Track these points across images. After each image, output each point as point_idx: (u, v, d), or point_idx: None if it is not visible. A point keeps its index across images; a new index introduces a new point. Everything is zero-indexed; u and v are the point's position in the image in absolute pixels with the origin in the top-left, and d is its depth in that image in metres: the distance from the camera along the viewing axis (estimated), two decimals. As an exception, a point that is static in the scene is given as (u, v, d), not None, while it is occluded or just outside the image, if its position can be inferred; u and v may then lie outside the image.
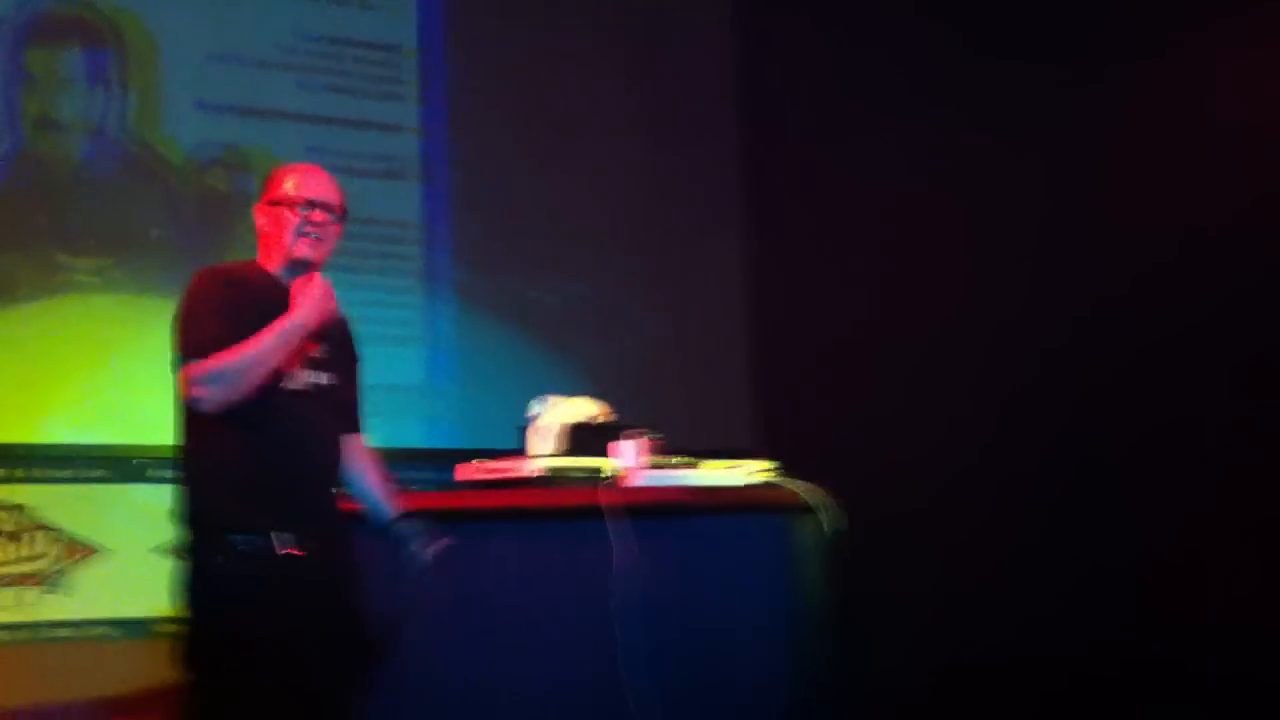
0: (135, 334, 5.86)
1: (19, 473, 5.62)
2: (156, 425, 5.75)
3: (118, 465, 5.77)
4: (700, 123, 7.37)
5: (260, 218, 3.29)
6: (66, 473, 5.70)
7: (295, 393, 3.13)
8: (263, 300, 3.14)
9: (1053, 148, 5.56)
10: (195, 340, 3.06)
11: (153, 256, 6.01)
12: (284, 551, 3.03)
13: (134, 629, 5.69)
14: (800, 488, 4.08)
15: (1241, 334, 4.88)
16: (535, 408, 4.30)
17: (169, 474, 5.71)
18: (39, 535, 5.63)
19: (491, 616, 3.68)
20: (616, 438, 4.00)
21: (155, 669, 5.56)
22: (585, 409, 4.29)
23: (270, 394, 3.05)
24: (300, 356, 3.15)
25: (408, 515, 3.36)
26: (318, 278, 3.17)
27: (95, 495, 5.72)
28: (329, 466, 3.27)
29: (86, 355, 5.76)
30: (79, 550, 5.68)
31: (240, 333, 3.03)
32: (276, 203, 3.23)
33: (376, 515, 3.38)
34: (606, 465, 3.90)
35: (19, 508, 5.60)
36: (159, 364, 5.75)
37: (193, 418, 3.12)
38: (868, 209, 6.29)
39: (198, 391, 3.01)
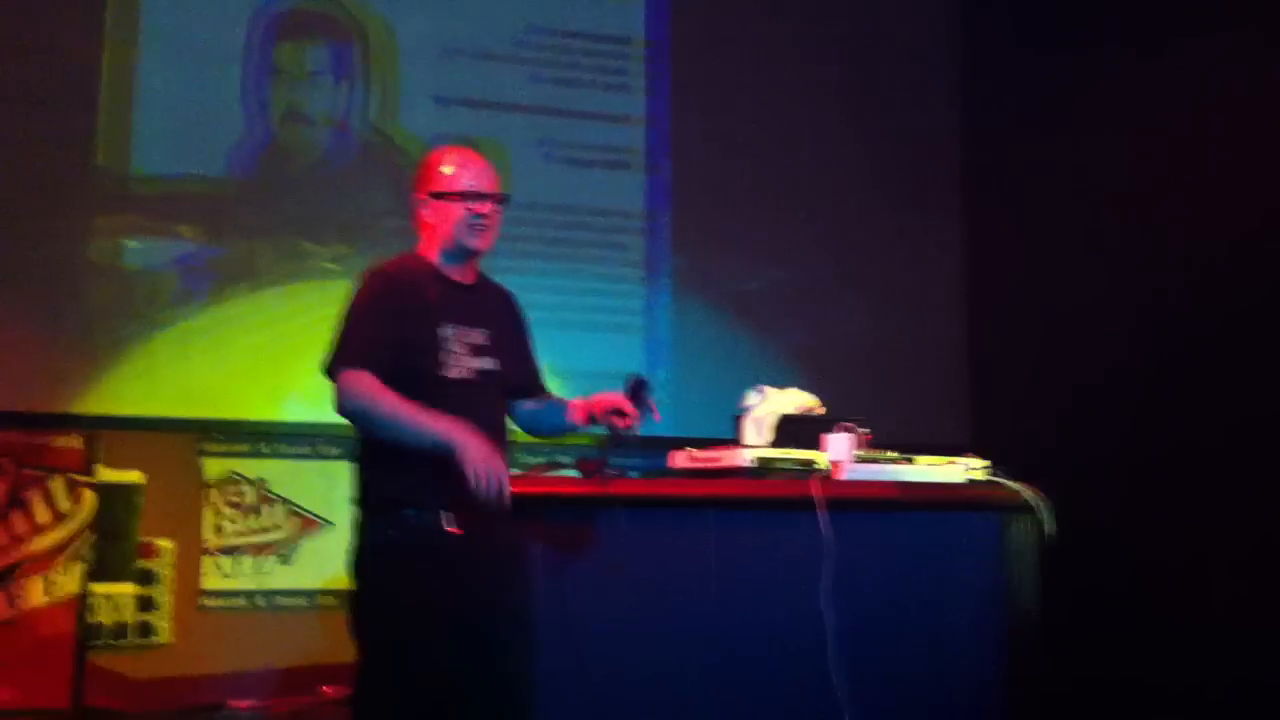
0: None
1: (263, 448, 5.95)
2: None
3: (352, 444, 6.01)
4: (920, 114, 7.24)
5: (422, 209, 3.29)
6: (305, 450, 6.00)
7: (461, 380, 3.18)
8: (421, 292, 3.20)
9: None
10: (350, 347, 3.17)
11: (388, 245, 6.22)
12: (450, 529, 3.11)
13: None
14: (1021, 488, 3.98)
15: None
16: (751, 398, 4.30)
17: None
18: (278, 508, 5.94)
19: (699, 604, 3.70)
20: (829, 430, 3.97)
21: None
22: (799, 400, 4.27)
23: (436, 383, 3.14)
24: (464, 344, 3.21)
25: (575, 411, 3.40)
26: (494, 459, 3.03)
27: (330, 471, 6.00)
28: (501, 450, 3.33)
29: (325, 339, 6.01)
30: (312, 524, 5.97)
31: (394, 335, 3.13)
32: (440, 195, 3.24)
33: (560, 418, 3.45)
34: (819, 458, 3.88)
35: (261, 481, 5.92)
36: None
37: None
38: (1090, 204, 6.12)
39: (340, 400, 3.13)
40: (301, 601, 5.91)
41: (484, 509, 3.00)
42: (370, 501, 3.21)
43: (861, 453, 3.91)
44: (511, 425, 3.49)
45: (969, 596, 3.94)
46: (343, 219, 6.17)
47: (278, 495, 5.94)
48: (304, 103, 6.22)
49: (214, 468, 5.85)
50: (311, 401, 5.91)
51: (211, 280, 5.91)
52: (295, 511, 5.96)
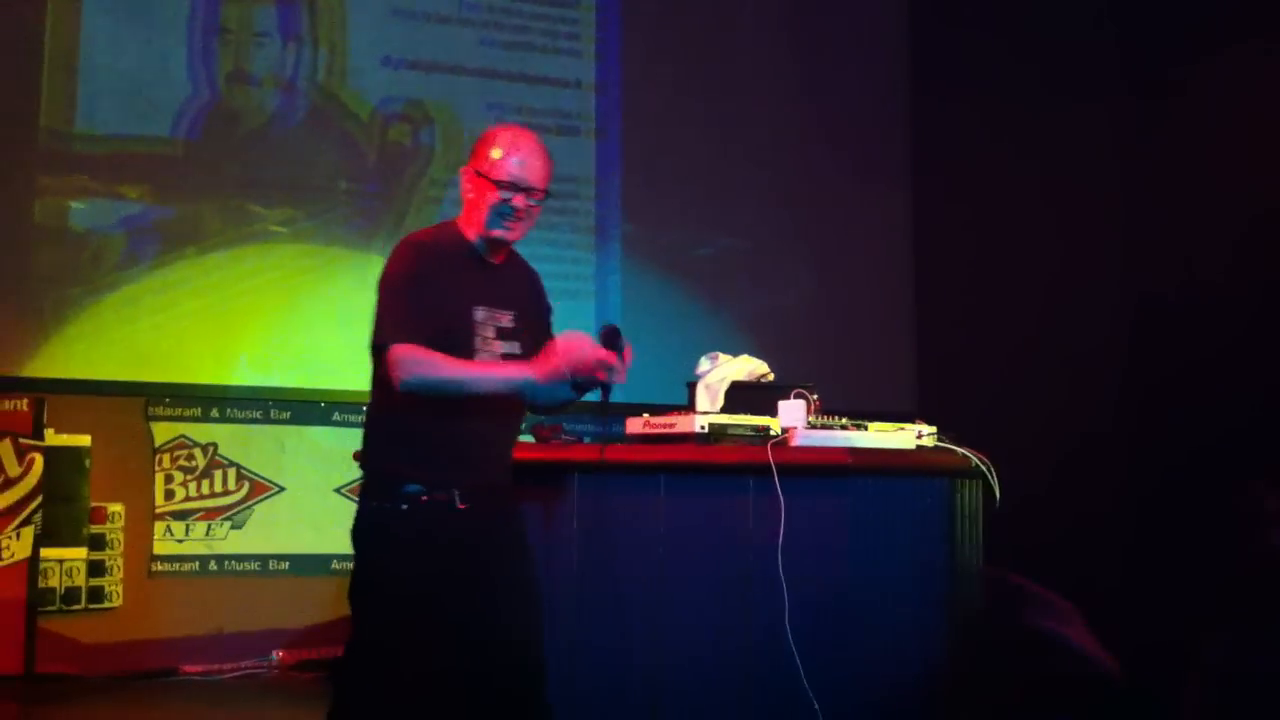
0: (321, 282, 6.09)
1: (213, 412, 5.92)
2: (340, 370, 6.06)
3: (304, 408, 6.03)
4: (870, 85, 7.30)
5: (465, 182, 3.21)
6: (256, 414, 5.98)
7: None
8: (455, 270, 3.15)
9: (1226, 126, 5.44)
10: (397, 321, 3.04)
11: (337, 208, 6.22)
12: (460, 506, 3.11)
13: (311, 565, 5.97)
14: (970, 454, 4.05)
15: None
16: (704, 364, 4.34)
17: (353, 419, 6.04)
18: (230, 473, 5.92)
19: (656, 568, 3.75)
20: (783, 397, 4.01)
21: (327, 603, 5.89)
22: (750, 367, 4.31)
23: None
24: (492, 327, 3.17)
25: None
26: (572, 361, 3.01)
27: (281, 436, 6.00)
28: (511, 435, 3.32)
29: (275, 302, 6.01)
30: (264, 488, 5.96)
31: (431, 305, 3.05)
32: (482, 175, 3.16)
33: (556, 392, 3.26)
34: (772, 423, 3.92)
35: (212, 446, 5.90)
36: (343, 312, 6.06)
37: (389, 379, 3.09)
38: (1037, 179, 6.21)
39: (400, 375, 2.99)
40: (253, 566, 5.91)
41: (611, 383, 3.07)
42: (382, 472, 3.16)
43: (814, 419, 3.95)
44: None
45: (918, 559, 4.00)
46: (290, 181, 6.14)
47: (228, 459, 5.92)
48: (250, 63, 6.15)
49: (163, 432, 5.83)
50: (262, 365, 5.93)
51: (158, 242, 5.86)
52: (246, 476, 5.94)
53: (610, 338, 3.18)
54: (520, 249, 3.35)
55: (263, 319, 5.98)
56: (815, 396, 4.08)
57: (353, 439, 5.46)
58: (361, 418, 5.88)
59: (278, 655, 5.81)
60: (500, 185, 3.14)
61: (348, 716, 3.12)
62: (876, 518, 3.92)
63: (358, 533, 3.15)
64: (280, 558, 5.94)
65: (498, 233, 3.17)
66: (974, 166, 6.62)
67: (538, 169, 3.22)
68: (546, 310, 3.42)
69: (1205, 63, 5.53)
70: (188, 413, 5.87)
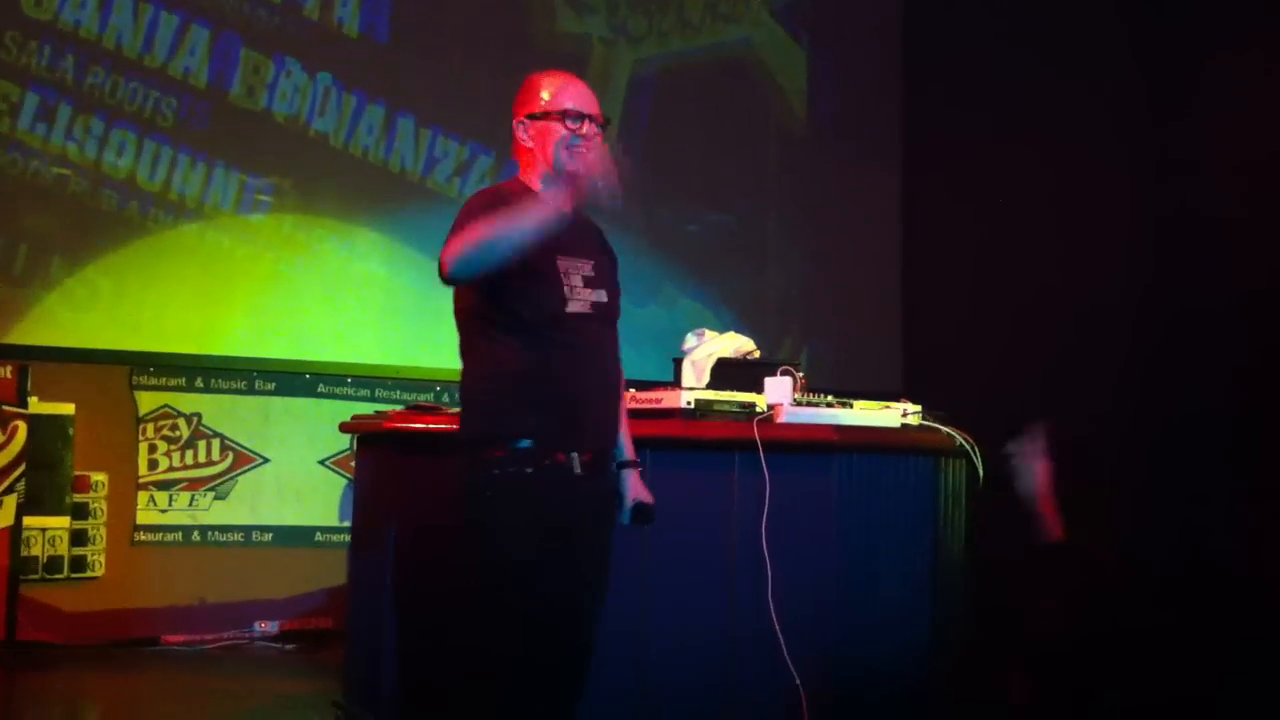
0: (308, 253, 6.07)
1: (198, 382, 5.90)
2: (327, 342, 6.05)
3: (289, 379, 6.02)
4: (863, 64, 7.30)
5: (521, 133, 3.12)
6: (240, 385, 5.97)
7: (581, 315, 3.06)
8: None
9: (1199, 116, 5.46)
10: (453, 239, 2.92)
11: (331, 177, 6.18)
12: (573, 466, 3.02)
13: (294, 536, 5.97)
14: (955, 433, 4.07)
15: None
16: (690, 341, 4.34)
17: (339, 391, 6.04)
18: (214, 443, 5.91)
19: (640, 542, 3.76)
20: (769, 374, 4.02)
21: (310, 575, 5.90)
22: (736, 344, 4.31)
23: (558, 318, 3.02)
24: (578, 275, 3.07)
25: (631, 464, 3.28)
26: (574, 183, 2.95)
27: (266, 407, 5.98)
28: (615, 385, 3.25)
29: (262, 272, 5.99)
30: (248, 459, 5.95)
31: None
32: (540, 115, 3.08)
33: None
34: (759, 400, 3.93)
35: (196, 416, 5.89)
36: (330, 283, 6.05)
37: (488, 336, 3.01)
38: (1028, 158, 6.21)
39: (447, 266, 2.85)
40: (237, 537, 5.91)
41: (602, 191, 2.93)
42: (490, 432, 3.02)
43: (800, 396, 3.96)
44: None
45: (904, 537, 4.02)
46: (279, 150, 6.10)
47: (213, 430, 5.91)
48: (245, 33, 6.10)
49: (147, 401, 5.81)
50: (248, 336, 5.90)
51: (146, 210, 5.82)
52: (230, 446, 5.93)
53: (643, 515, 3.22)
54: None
55: (250, 289, 5.96)
56: (801, 374, 4.09)
57: (338, 411, 5.52)
58: (347, 389, 6.04)
59: (260, 626, 5.81)
60: (565, 115, 3.07)
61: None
62: (861, 495, 3.93)
63: (479, 492, 3.01)
64: (264, 529, 5.93)
65: (572, 166, 3.05)
66: (965, 148, 6.61)
67: (591, 98, 3.15)
68: (615, 261, 3.30)
69: (1211, 49, 5.50)
70: (172, 382, 5.84)
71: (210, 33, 5.97)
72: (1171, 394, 5.47)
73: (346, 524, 5.24)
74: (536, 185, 3.10)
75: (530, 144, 3.12)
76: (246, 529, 5.92)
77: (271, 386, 5.95)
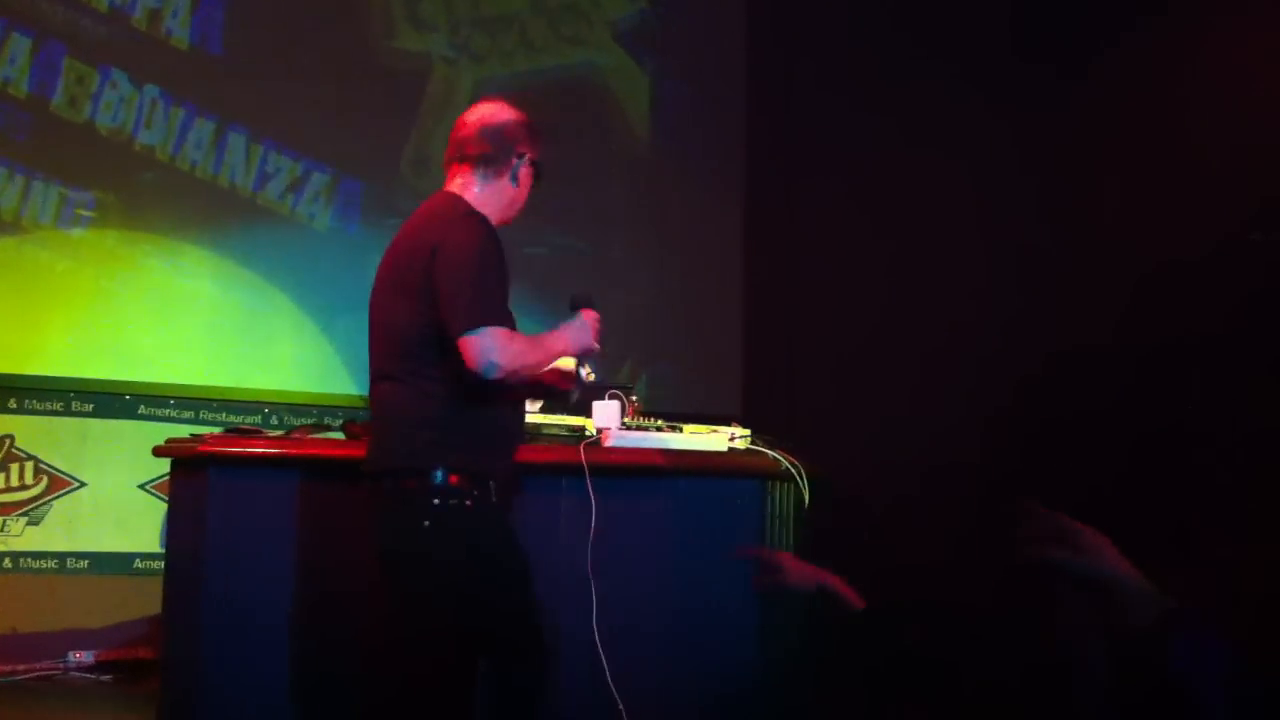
0: (131, 269, 5.88)
1: (11, 403, 5.66)
2: (148, 363, 5.86)
3: (108, 401, 5.80)
4: (706, 91, 7.36)
5: (519, 167, 3.28)
6: (57, 406, 5.73)
7: None
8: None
9: (1053, 135, 5.59)
10: (490, 306, 3.03)
11: (152, 194, 6.00)
12: (494, 499, 3.13)
13: (112, 563, 5.75)
14: (781, 457, 4.10)
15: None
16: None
17: (160, 413, 5.84)
18: (27, 466, 5.67)
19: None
20: (600, 398, 4.01)
21: (129, 603, 5.69)
22: (570, 367, 4.29)
23: None
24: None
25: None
26: (594, 316, 3.33)
27: (84, 429, 5.76)
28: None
29: (81, 288, 5.78)
30: (64, 483, 5.72)
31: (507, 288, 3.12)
32: (538, 167, 3.31)
33: None
34: (588, 424, 3.92)
35: (9, 437, 5.64)
36: (153, 301, 5.87)
37: (451, 364, 3.03)
38: (870, 188, 6.31)
39: (495, 360, 2.96)
40: (51, 564, 5.67)
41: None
42: (449, 461, 3.06)
43: (630, 420, 3.96)
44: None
45: (732, 561, 4.03)
46: (101, 163, 5.90)
47: (26, 452, 5.66)
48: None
49: (-43, 422, 5.56)
50: (66, 354, 5.68)
51: (-43, 224, 5.58)
52: (45, 470, 5.70)
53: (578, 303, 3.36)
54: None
55: (69, 306, 5.74)
56: (634, 398, 4.09)
57: (160, 434, 5.33)
58: (170, 411, 5.85)
59: (75, 656, 5.58)
60: (542, 175, 3.31)
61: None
62: (690, 519, 3.94)
63: (431, 521, 3.03)
64: (79, 555, 5.70)
65: (511, 220, 3.30)
66: (808, 171, 6.70)
67: None
68: None
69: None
70: (-18, 402, 5.61)
71: (32, 41, 5.77)
72: (1025, 423, 5.56)
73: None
74: (495, 221, 3.18)
75: (516, 185, 3.25)
76: (61, 555, 5.68)
77: (90, 408, 5.72)
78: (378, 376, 3.18)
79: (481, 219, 3.15)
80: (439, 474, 3.03)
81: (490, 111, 3.31)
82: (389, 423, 3.13)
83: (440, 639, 3.09)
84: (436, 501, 3.02)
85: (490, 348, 2.94)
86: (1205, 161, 5.01)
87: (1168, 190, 5.12)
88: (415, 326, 3.07)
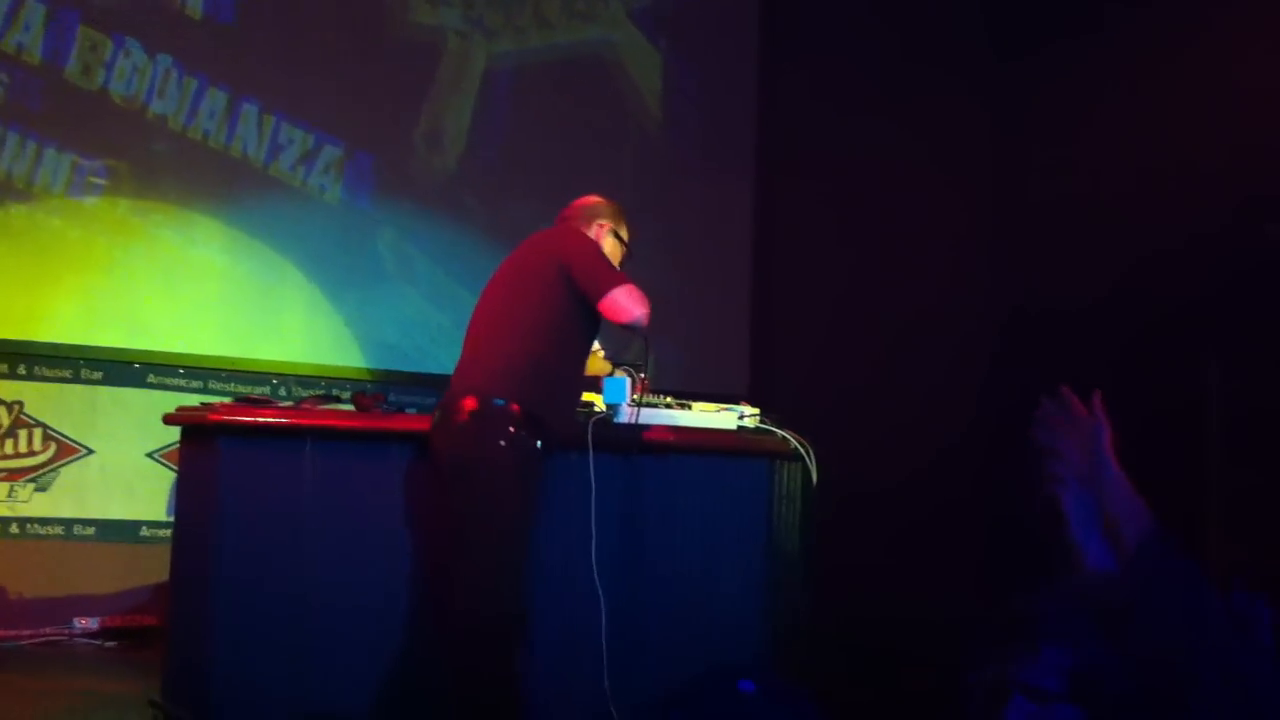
0: (143, 239, 5.88)
1: (20, 369, 5.66)
2: (158, 332, 5.86)
3: (117, 369, 5.80)
4: (719, 69, 7.34)
5: (605, 236, 4.00)
6: (66, 373, 5.74)
7: None
8: None
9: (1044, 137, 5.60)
10: (620, 275, 3.69)
11: (159, 162, 5.98)
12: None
13: (118, 531, 5.76)
14: (790, 436, 4.11)
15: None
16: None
17: (169, 381, 5.85)
18: (36, 433, 5.68)
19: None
20: (610, 374, 4.02)
21: (134, 571, 5.70)
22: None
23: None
24: None
25: None
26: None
27: (92, 396, 5.77)
28: None
29: (93, 256, 5.77)
30: (72, 450, 5.73)
31: None
32: (625, 245, 4.04)
33: None
34: (597, 400, 3.92)
35: (18, 404, 5.65)
36: (164, 270, 5.87)
37: (562, 327, 3.67)
38: (877, 180, 6.31)
39: (639, 310, 3.62)
40: (57, 530, 5.68)
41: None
42: (527, 410, 3.53)
43: (639, 397, 3.97)
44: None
45: (738, 537, 4.05)
46: (114, 133, 5.89)
47: (35, 419, 5.67)
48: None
49: (-35, 388, 5.56)
50: (76, 322, 5.68)
51: (-31, 190, 5.57)
52: (54, 437, 5.70)
53: None
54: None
55: (80, 274, 5.74)
56: (643, 375, 4.09)
57: (169, 403, 5.34)
58: (179, 380, 5.85)
59: (80, 622, 5.60)
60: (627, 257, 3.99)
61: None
62: (697, 495, 3.95)
63: (504, 453, 3.48)
64: (86, 523, 5.71)
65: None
66: (818, 151, 6.67)
67: None
68: None
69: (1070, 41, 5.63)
70: (-7, 368, 5.61)
71: (46, 9, 5.74)
72: (1021, 400, 5.57)
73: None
74: None
75: (606, 250, 3.89)
76: (68, 522, 5.69)
77: (99, 376, 5.73)
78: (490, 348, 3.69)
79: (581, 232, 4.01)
80: (521, 408, 3.52)
81: None
82: (499, 359, 3.62)
83: (507, 534, 3.49)
84: (512, 429, 3.48)
85: (624, 301, 3.60)
86: (1192, 161, 5.00)
87: (1159, 189, 5.12)
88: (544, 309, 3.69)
